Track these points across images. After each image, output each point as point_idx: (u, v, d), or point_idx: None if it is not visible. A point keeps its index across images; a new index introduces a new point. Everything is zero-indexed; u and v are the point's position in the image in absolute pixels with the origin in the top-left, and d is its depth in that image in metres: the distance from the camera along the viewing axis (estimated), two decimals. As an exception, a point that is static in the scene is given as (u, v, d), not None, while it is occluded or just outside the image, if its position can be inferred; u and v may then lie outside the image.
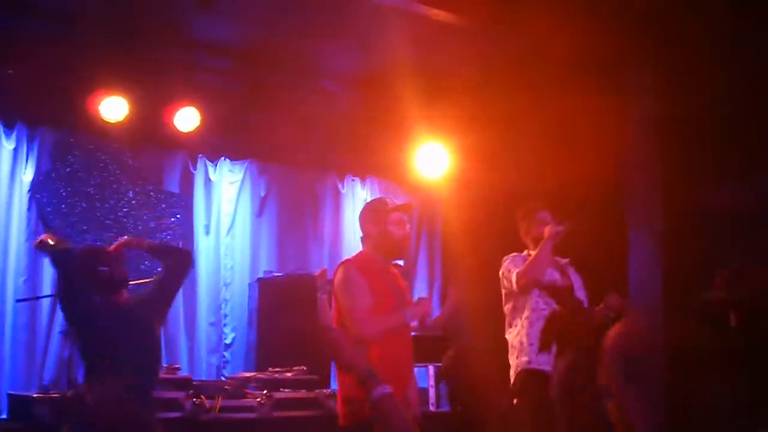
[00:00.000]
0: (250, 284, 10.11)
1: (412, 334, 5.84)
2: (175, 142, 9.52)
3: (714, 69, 7.94)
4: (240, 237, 10.26)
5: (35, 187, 8.87)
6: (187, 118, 9.00)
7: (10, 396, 7.84)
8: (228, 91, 9.40)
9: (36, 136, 8.97)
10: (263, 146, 10.20)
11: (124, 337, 5.68)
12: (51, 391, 7.46)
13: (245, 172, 10.33)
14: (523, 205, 6.68)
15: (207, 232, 9.98)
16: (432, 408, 9.14)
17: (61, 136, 9.12)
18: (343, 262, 5.69)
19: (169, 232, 9.62)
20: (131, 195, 9.41)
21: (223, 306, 9.98)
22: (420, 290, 10.99)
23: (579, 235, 6.65)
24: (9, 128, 8.82)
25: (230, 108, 9.43)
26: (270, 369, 8.74)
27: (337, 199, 10.99)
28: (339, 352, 5.25)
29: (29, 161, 8.91)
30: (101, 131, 8.84)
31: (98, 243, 8.25)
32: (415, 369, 6.08)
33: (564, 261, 6.53)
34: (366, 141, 10.18)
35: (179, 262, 6.17)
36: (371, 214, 5.71)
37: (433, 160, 10.00)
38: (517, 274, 6.24)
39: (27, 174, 8.87)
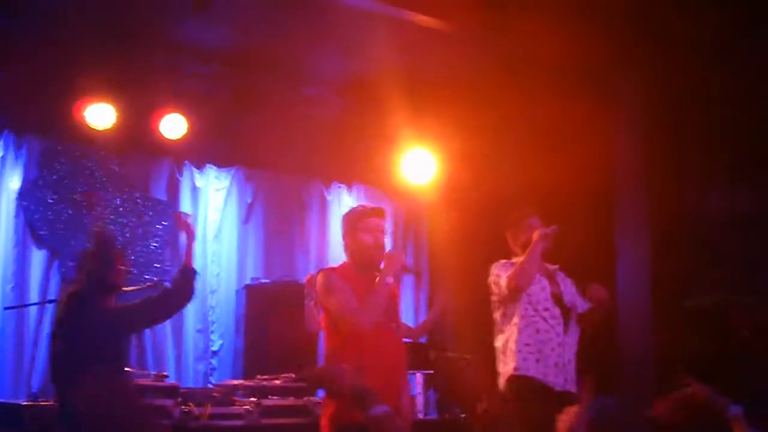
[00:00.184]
0: (237, 291, 10.10)
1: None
2: (162, 149, 9.52)
3: (702, 75, 7.99)
4: (227, 244, 10.23)
5: (22, 195, 8.84)
6: (173, 125, 9.01)
7: (-2, 404, 7.83)
8: (214, 98, 9.38)
9: (23, 144, 8.94)
10: (249, 153, 10.17)
11: (98, 342, 5.70)
12: (40, 399, 7.42)
13: (232, 179, 10.31)
14: (512, 212, 6.67)
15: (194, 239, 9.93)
16: (420, 416, 9.12)
17: (48, 143, 9.09)
18: (323, 269, 5.68)
19: (156, 239, 9.59)
20: (118, 202, 9.38)
21: (210, 313, 9.94)
22: (406, 297, 10.97)
23: (567, 241, 6.67)
24: (-4, 135, 8.80)
25: (216, 115, 9.42)
26: (258, 376, 8.72)
27: (323, 205, 10.96)
28: (333, 375, 5.22)
29: (16, 168, 8.87)
30: (88, 138, 8.83)
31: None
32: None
33: (553, 267, 6.52)
34: (352, 147, 10.20)
35: (183, 297, 6.22)
36: (346, 223, 5.68)
37: (419, 166, 10.01)
38: (508, 277, 6.21)
39: (14, 181, 8.84)
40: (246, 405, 8.01)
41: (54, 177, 9.01)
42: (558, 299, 6.31)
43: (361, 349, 5.31)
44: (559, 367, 6.13)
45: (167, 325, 9.44)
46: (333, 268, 5.68)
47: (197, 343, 9.79)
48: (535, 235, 6.22)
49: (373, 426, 4.79)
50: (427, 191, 10.35)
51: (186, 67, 9.02)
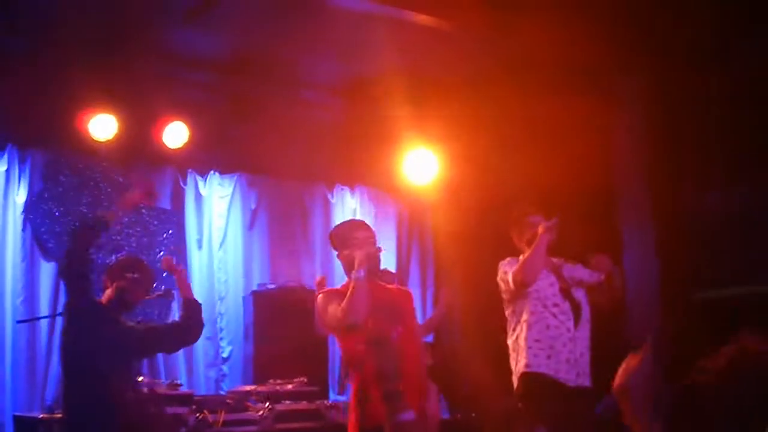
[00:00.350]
0: (244, 297, 10.11)
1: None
2: (165, 158, 9.53)
3: (702, 75, 8.01)
4: (232, 250, 10.27)
5: (28, 208, 8.87)
6: (175, 134, 9.02)
7: (15, 418, 7.85)
8: (215, 106, 9.38)
9: (27, 157, 8.97)
10: (252, 159, 10.18)
11: (108, 358, 5.72)
12: (55, 411, 7.44)
13: (235, 186, 10.34)
14: (514, 211, 6.68)
15: (200, 247, 9.99)
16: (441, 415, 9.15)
17: (52, 156, 9.13)
18: (321, 292, 5.70)
19: (162, 248, 9.61)
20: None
21: (218, 320, 9.97)
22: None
23: (569, 239, 6.69)
24: (0, 150, 8.82)
25: (218, 122, 9.43)
26: (271, 381, 8.75)
27: (327, 208, 10.99)
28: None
29: (21, 182, 8.91)
30: (91, 150, 8.85)
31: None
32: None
33: (558, 261, 6.54)
34: (354, 149, 10.18)
35: (192, 330, 6.25)
36: (336, 241, 5.69)
37: (422, 166, 9.98)
38: (513, 272, 6.23)
39: (20, 195, 8.88)
40: (259, 410, 8.04)
41: (59, 189, 9.05)
42: (567, 294, 6.33)
43: (378, 355, 5.35)
44: (570, 362, 6.15)
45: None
46: (333, 289, 5.69)
47: (207, 350, 9.82)
48: (540, 229, 6.23)
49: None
50: (430, 191, 10.33)
51: (186, 75, 9.02)
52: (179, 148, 9.12)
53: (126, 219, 9.38)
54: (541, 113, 8.55)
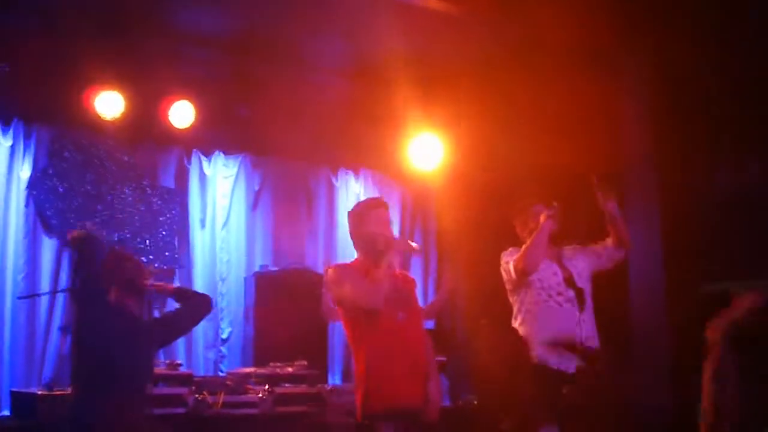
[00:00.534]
0: (245, 278, 10.10)
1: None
2: (170, 138, 9.53)
3: (710, 56, 7.97)
4: (235, 231, 10.25)
5: (32, 184, 8.84)
6: (181, 114, 9.02)
7: (12, 393, 7.83)
8: (222, 86, 9.35)
9: (32, 133, 8.95)
10: (257, 140, 10.15)
11: (124, 352, 5.64)
12: (54, 389, 7.42)
13: (239, 166, 10.33)
14: (518, 201, 6.67)
15: (203, 227, 9.97)
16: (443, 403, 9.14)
17: (57, 132, 9.10)
18: (332, 265, 5.71)
19: (166, 227, 9.60)
20: (127, 191, 9.39)
21: (219, 300, 9.93)
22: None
23: (576, 224, 6.67)
24: (6, 125, 8.79)
25: (224, 102, 9.44)
26: (271, 364, 8.74)
27: (331, 192, 10.97)
28: None
29: (26, 158, 8.88)
30: (97, 127, 8.84)
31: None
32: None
33: (557, 250, 6.51)
34: (360, 133, 10.14)
35: (200, 305, 6.20)
36: (353, 218, 5.72)
37: (427, 151, 9.98)
38: (515, 261, 6.22)
39: (24, 171, 8.85)
40: (259, 393, 8.03)
41: (64, 166, 9.02)
42: (571, 282, 6.29)
43: (383, 338, 5.37)
44: (577, 351, 6.12)
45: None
46: (345, 264, 5.72)
47: (207, 331, 9.79)
48: (542, 218, 6.21)
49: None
50: (435, 176, 10.32)
51: (193, 55, 8.98)
52: (185, 128, 9.10)
53: (130, 198, 9.38)
54: (547, 98, 8.52)
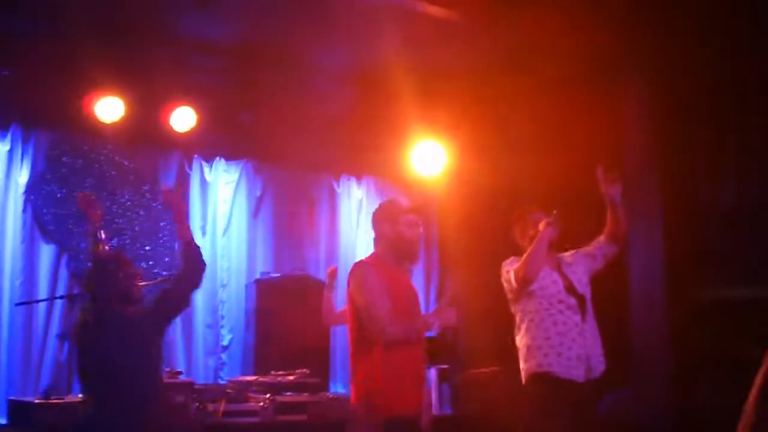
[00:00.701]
0: (247, 285, 10.04)
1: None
2: (171, 143, 9.46)
3: (711, 65, 7.93)
4: (236, 238, 10.17)
5: (30, 189, 8.77)
6: (182, 119, 8.96)
7: (10, 402, 7.76)
8: (223, 91, 9.35)
9: (31, 137, 8.87)
10: (259, 146, 10.12)
11: (125, 354, 5.57)
12: (51, 396, 7.36)
13: (241, 172, 10.25)
14: (516, 209, 6.67)
15: (203, 233, 9.89)
16: (434, 411, 9.08)
17: (56, 137, 9.03)
18: (358, 263, 5.70)
19: (165, 232, 9.53)
20: (127, 197, 9.33)
21: (219, 307, 9.88)
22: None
23: (579, 232, 6.62)
24: (4, 129, 8.71)
25: (226, 108, 9.41)
26: (273, 372, 8.69)
27: (332, 198, 10.92)
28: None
29: (24, 162, 8.80)
30: (96, 132, 8.76)
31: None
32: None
33: (557, 257, 6.47)
34: (362, 140, 10.14)
35: (196, 267, 6.01)
36: (385, 215, 5.72)
37: (429, 158, 9.95)
38: (515, 269, 6.20)
39: (22, 175, 8.77)
40: (260, 401, 7.97)
41: (63, 171, 8.96)
42: (571, 289, 6.26)
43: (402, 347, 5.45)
44: (581, 358, 6.08)
45: (177, 319, 9.36)
46: (367, 262, 5.73)
47: (207, 337, 9.73)
48: (542, 225, 6.19)
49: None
50: (437, 183, 10.32)
51: (195, 60, 8.96)
52: (186, 133, 9.04)
53: (129, 203, 9.32)
54: (550, 104, 8.51)
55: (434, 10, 8.05)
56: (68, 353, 8.13)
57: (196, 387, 8.04)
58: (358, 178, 11.09)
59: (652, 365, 8.23)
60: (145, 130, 9.07)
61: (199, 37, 8.71)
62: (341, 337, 9.65)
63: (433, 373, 9.22)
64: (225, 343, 9.85)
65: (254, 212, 10.36)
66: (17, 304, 8.38)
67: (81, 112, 8.44)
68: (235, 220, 10.18)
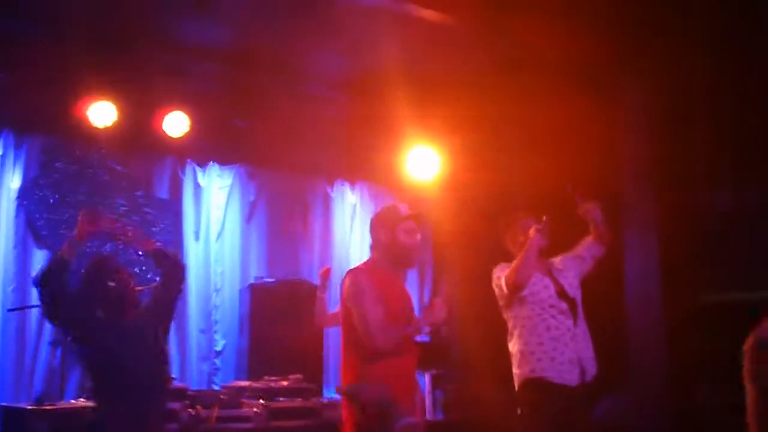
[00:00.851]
0: (240, 290, 10.02)
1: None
2: (164, 147, 9.43)
3: (706, 72, 7.94)
4: (230, 242, 10.14)
5: (23, 194, 8.73)
6: (175, 123, 8.93)
7: (2, 408, 7.72)
8: (217, 96, 9.30)
9: (23, 143, 8.83)
10: (252, 151, 10.09)
11: (131, 359, 5.55)
12: (44, 403, 7.34)
13: (234, 177, 10.23)
14: (505, 216, 6.69)
15: (197, 238, 9.87)
16: (427, 417, 9.07)
17: (49, 142, 8.99)
18: (352, 270, 5.67)
19: (159, 238, 9.49)
20: (120, 201, 9.29)
21: (213, 312, 9.84)
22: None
23: (573, 238, 6.62)
24: (-5, 134, 8.69)
25: (219, 113, 9.37)
26: (266, 377, 8.67)
27: (326, 203, 10.91)
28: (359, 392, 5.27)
29: (16, 168, 8.76)
30: (89, 137, 8.72)
31: (87, 251, 8.15)
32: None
33: (547, 262, 6.48)
34: (355, 145, 10.15)
35: (173, 270, 6.03)
36: (383, 221, 5.70)
37: (423, 163, 9.96)
38: (506, 275, 6.21)
39: (15, 181, 8.73)
40: (254, 407, 7.96)
41: (55, 176, 8.92)
42: (563, 294, 6.28)
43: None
44: (573, 362, 6.10)
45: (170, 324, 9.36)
46: (361, 269, 5.70)
47: (200, 342, 9.70)
48: (531, 232, 6.19)
49: None
50: (431, 188, 10.28)
51: (188, 65, 8.93)
52: (179, 138, 9.01)
53: (123, 208, 9.30)
54: (543, 111, 8.51)
55: (429, 16, 8.04)
56: (61, 360, 8.08)
57: (189, 392, 8.04)
58: (352, 183, 11.08)
59: (649, 368, 8.24)
60: (138, 135, 9.02)
61: (192, 42, 8.68)
62: (335, 343, 9.61)
63: (426, 379, 9.20)
64: (218, 348, 9.81)
65: (248, 217, 10.34)
66: (9, 310, 8.35)
67: (74, 117, 8.40)
68: (228, 225, 10.15)
